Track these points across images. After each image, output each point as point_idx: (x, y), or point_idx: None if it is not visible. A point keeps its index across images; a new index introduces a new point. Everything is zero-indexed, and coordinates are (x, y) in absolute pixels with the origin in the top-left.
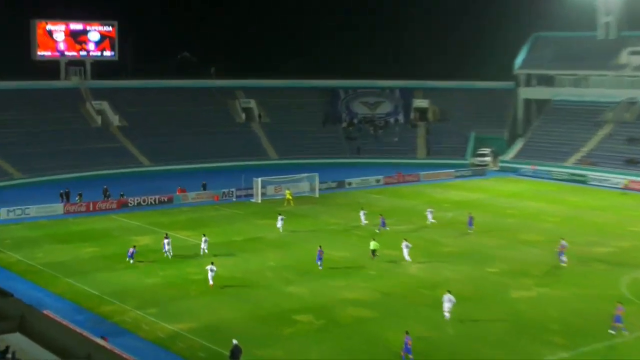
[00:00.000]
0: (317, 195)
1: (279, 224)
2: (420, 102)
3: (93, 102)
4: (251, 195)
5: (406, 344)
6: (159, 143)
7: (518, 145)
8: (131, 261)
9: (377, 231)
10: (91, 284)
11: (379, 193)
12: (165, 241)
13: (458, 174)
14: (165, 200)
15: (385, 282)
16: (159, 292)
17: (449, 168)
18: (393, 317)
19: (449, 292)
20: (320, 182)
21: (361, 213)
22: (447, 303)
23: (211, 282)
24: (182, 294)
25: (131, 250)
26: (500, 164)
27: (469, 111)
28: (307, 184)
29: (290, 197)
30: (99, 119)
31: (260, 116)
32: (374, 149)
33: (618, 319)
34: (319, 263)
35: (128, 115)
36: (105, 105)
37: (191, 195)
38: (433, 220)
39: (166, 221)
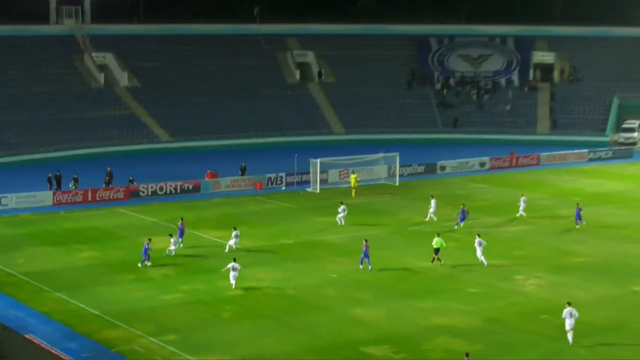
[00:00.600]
0: (397, 182)
1: (340, 215)
2: (542, 56)
3: (93, 55)
4: (307, 183)
5: None
6: (182, 111)
7: None
8: (148, 263)
9: (456, 227)
10: (89, 300)
11: (483, 181)
12: (172, 240)
13: (594, 155)
14: (190, 188)
15: (490, 303)
16: (180, 313)
17: (582, 147)
18: (502, 352)
19: (569, 304)
20: (403, 166)
21: (432, 202)
22: (569, 319)
23: (234, 284)
24: (212, 317)
25: (145, 245)
26: None
27: (612, 69)
28: (384, 167)
29: (355, 185)
30: (101, 78)
31: (320, 74)
32: (478, 120)
33: None
34: (367, 261)
35: (140, 73)
36: (109, 59)
37: (225, 182)
38: (523, 213)
39: (190, 217)
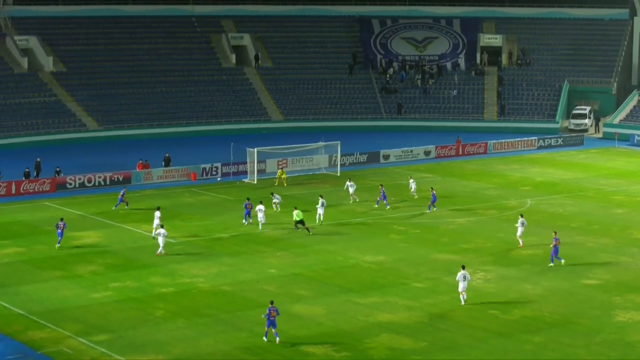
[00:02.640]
0: (338, 172)
1: (275, 200)
2: (490, 39)
3: (16, 38)
4: (244, 173)
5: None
6: (111, 97)
7: (632, 101)
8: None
9: (428, 211)
10: (13, 299)
11: (428, 170)
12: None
13: (544, 143)
14: (120, 179)
15: (436, 299)
16: (111, 312)
17: (531, 134)
18: (447, 349)
19: (464, 267)
20: (344, 155)
21: (348, 184)
22: (462, 282)
23: (162, 251)
24: (144, 315)
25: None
26: (605, 129)
27: (562, 52)
28: (324, 156)
29: (283, 176)
30: (24, 62)
31: (257, 58)
32: (423, 106)
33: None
34: (385, 202)
35: (67, 57)
36: (33, 42)
37: (157, 173)
38: (415, 195)
39: (121, 209)
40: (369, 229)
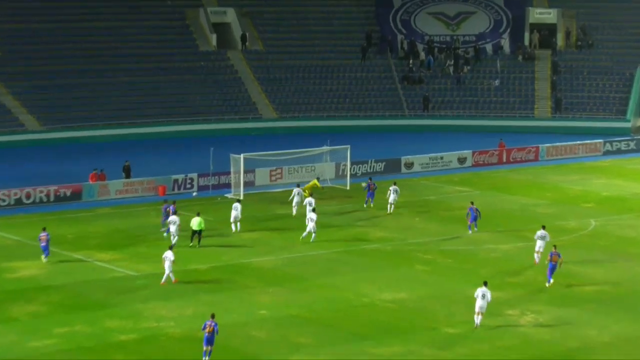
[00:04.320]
0: (348, 185)
1: (295, 199)
2: (542, 14)
3: None
4: (227, 187)
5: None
6: (58, 91)
7: None
8: (44, 259)
9: (365, 205)
10: None
11: (464, 182)
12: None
13: (611, 147)
14: (68, 194)
15: (473, 348)
16: None
17: (595, 137)
18: None
19: (486, 284)
20: (356, 162)
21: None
22: (481, 301)
23: (172, 278)
24: None
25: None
26: None
27: (632, 31)
28: (330, 165)
29: (317, 185)
30: None
31: (244, 40)
32: (456, 100)
33: None
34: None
35: (1, 40)
36: None
37: (116, 187)
38: (392, 202)
39: (69, 234)
40: (387, 257)
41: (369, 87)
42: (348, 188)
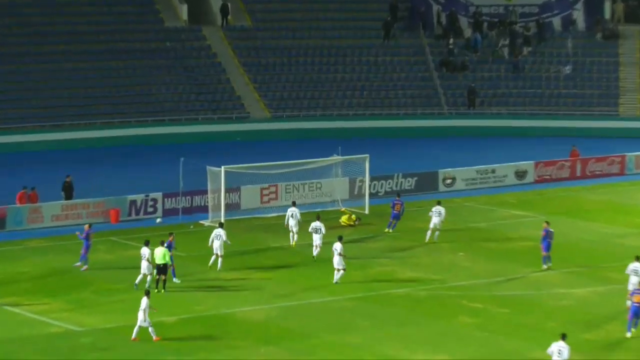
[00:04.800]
0: (366, 209)
1: (291, 223)
2: None
3: None
4: (202, 211)
5: None
6: None
7: None
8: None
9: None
10: None
11: (523, 204)
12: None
13: None
14: None
15: None
16: None
17: None
18: None
19: (564, 338)
20: (377, 177)
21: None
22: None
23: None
24: None
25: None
26: None
27: None
28: (342, 181)
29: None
30: None
31: (226, 12)
32: (513, 92)
33: None
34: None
35: None
36: None
37: (52, 210)
38: (436, 234)
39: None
40: (420, 306)
41: (394, 76)
42: (367, 212)
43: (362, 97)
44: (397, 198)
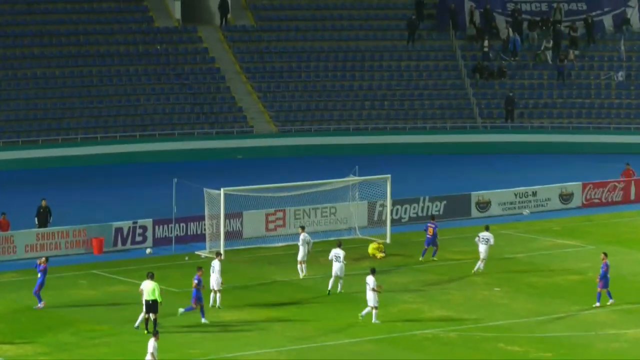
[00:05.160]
0: (388, 238)
1: (300, 253)
2: None
3: None
4: (199, 240)
5: None
6: None
7: None
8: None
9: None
10: None
11: (570, 232)
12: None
13: None
14: None
15: None
16: None
17: None
18: None
19: None
20: (400, 201)
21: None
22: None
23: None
24: None
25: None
26: None
27: None
28: (360, 206)
29: (377, 252)
30: None
31: (226, 10)
32: (558, 102)
33: None
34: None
35: None
36: None
37: (26, 239)
38: (481, 266)
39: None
40: (451, 349)
41: (420, 84)
42: (388, 241)
43: (383, 108)
44: (431, 221)
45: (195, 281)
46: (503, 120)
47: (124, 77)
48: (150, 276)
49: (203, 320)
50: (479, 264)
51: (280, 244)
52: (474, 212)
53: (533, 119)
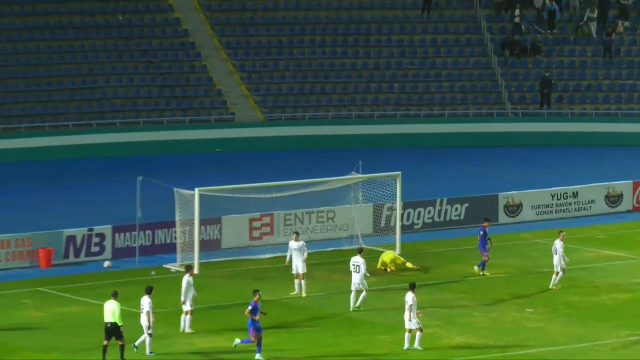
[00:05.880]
0: (397, 247)
1: (294, 263)
2: None
3: None
4: (169, 250)
5: None
6: None
7: None
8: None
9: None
10: None
11: (617, 242)
12: None
13: None
14: None
15: None
16: None
17: None
18: None
19: None
20: (412, 204)
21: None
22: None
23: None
24: None
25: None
26: None
27: None
28: (364, 208)
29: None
30: None
31: None
32: (603, 85)
33: None
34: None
35: None
36: None
37: None
38: (558, 275)
39: None
40: None
41: (438, 62)
42: (398, 252)
43: (392, 91)
44: (486, 223)
45: (250, 308)
46: (537, 106)
47: (77, 53)
48: (114, 295)
49: (257, 357)
50: (554, 280)
51: (267, 256)
52: (502, 217)
53: (574, 105)
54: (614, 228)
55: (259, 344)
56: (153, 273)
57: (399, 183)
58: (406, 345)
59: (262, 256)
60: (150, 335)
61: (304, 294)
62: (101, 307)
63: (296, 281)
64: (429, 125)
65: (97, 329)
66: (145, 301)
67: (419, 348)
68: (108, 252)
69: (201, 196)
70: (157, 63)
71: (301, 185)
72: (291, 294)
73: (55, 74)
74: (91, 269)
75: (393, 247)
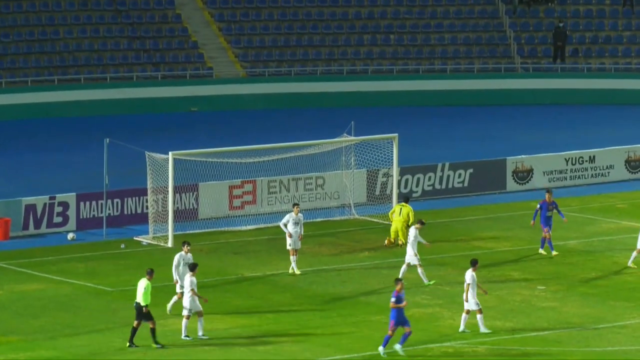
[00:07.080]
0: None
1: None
2: None
3: None
4: (140, 220)
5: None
6: None
7: None
8: None
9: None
10: None
11: (637, 212)
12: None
13: None
14: None
15: None
16: None
17: None
18: None
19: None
20: (410, 169)
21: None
22: None
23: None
24: None
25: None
26: None
27: None
28: (357, 174)
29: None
30: None
31: None
32: (624, 36)
33: None
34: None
35: None
36: None
37: None
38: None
39: None
40: None
41: (439, 12)
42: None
43: (388, 43)
44: (548, 193)
45: (393, 299)
46: (550, 60)
47: (36, 1)
48: (149, 273)
49: (397, 347)
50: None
51: (248, 227)
52: (511, 184)
53: (590, 59)
54: (635, 196)
55: (405, 336)
56: (122, 246)
57: (396, 146)
58: (461, 328)
59: (243, 227)
60: (187, 317)
61: (297, 272)
62: (64, 284)
63: (292, 257)
64: (429, 81)
65: (60, 308)
66: (188, 280)
67: (486, 330)
68: (72, 223)
69: (175, 161)
70: (126, 12)
71: (287, 148)
72: (290, 271)
73: (11, 23)
74: (53, 241)
75: (387, 219)
